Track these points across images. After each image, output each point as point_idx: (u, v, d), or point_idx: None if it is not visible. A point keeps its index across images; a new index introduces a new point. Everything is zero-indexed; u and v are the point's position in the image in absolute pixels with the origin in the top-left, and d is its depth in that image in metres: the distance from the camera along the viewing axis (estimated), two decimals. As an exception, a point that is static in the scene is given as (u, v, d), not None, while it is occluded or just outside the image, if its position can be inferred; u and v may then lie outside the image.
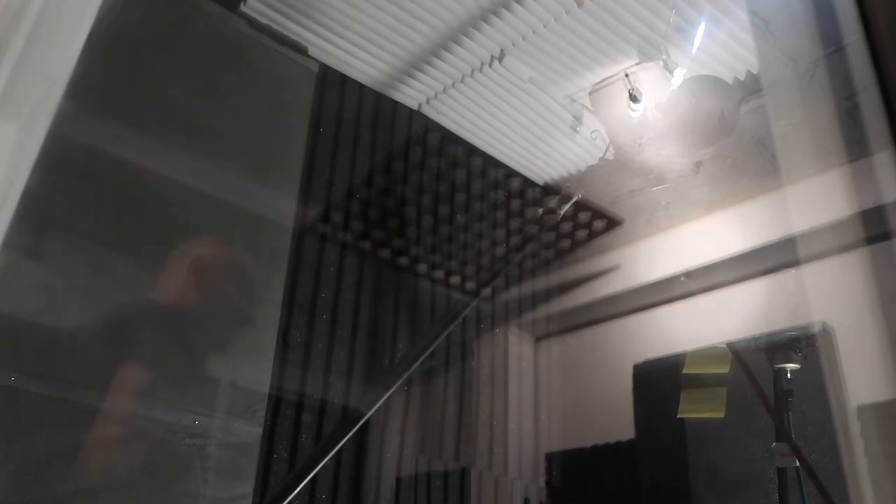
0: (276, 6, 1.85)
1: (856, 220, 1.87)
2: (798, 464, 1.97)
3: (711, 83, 1.96)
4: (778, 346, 2.12)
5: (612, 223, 2.59)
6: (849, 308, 1.96)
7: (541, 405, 2.90)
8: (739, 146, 2.19)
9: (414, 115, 2.18)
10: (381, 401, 2.18)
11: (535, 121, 2.15)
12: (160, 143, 1.67)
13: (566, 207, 2.48)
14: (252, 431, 1.70)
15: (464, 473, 2.41)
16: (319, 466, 1.97)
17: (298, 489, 1.88)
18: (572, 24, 1.82)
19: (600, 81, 2.02)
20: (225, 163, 1.78)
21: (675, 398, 2.37)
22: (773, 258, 2.28)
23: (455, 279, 2.68)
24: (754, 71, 1.91)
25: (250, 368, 1.73)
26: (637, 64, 1.93)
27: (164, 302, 1.65)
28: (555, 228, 2.58)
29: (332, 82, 2.09)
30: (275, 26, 1.89)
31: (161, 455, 1.52)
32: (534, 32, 1.86)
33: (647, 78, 1.96)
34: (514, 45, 1.91)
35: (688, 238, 2.54)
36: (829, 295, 2.02)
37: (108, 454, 1.47)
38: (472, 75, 2.01)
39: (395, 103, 2.13)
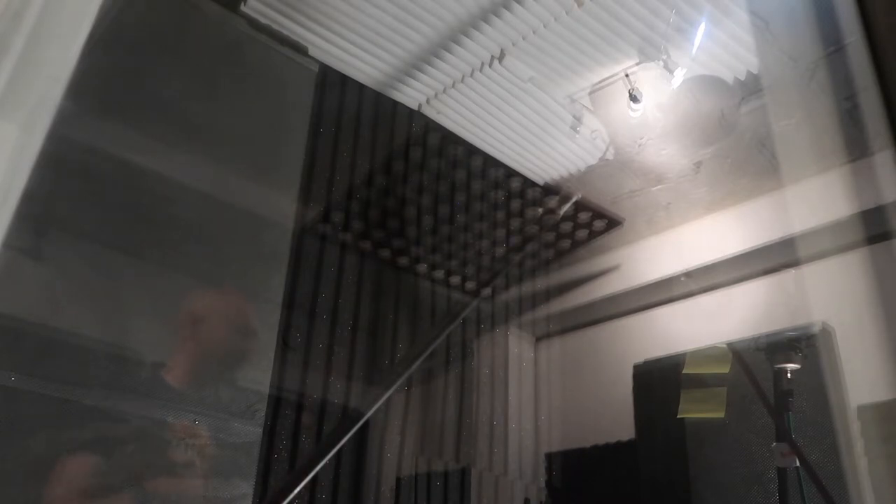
0: (276, 6, 1.85)
1: (856, 220, 1.87)
2: (798, 463, 1.97)
3: (711, 83, 1.96)
4: (778, 346, 2.12)
5: (612, 223, 2.59)
6: (849, 308, 1.96)
7: (541, 405, 2.90)
8: (739, 146, 2.19)
9: (414, 115, 2.18)
10: (381, 401, 2.18)
11: (535, 121, 2.15)
12: (160, 143, 1.67)
13: (566, 207, 2.47)
14: (252, 431, 1.70)
15: (464, 473, 2.41)
16: (319, 466, 1.97)
17: (298, 489, 1.88)
18: (572, 24, 1.82)
19: (600, 81, 2.02)
20: (225, 163, 1.78)
21: (675, 398, 2.37)
22: (773, 258, 2.29)
23: (455, 279, 2.68)
24: (754, 71, 1.91)
25: (250, 368, 1.73)
26: (637, 64, 1.93)
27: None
28: (555, 228, 2.58)
29: (332, 82, 2.09)
30: (275, 26, 1.89)
31: (161, 455, 1.52)
32: (534, 32, 1.86)
33: (648, 78, 1.96)
34: (514, 45, 1.91)
35: (688, 238, 2.54)
36: (829, 295, 2.03)
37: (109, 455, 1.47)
38: (472, 75, 2.01)
39: (395, 103, 2.13)
